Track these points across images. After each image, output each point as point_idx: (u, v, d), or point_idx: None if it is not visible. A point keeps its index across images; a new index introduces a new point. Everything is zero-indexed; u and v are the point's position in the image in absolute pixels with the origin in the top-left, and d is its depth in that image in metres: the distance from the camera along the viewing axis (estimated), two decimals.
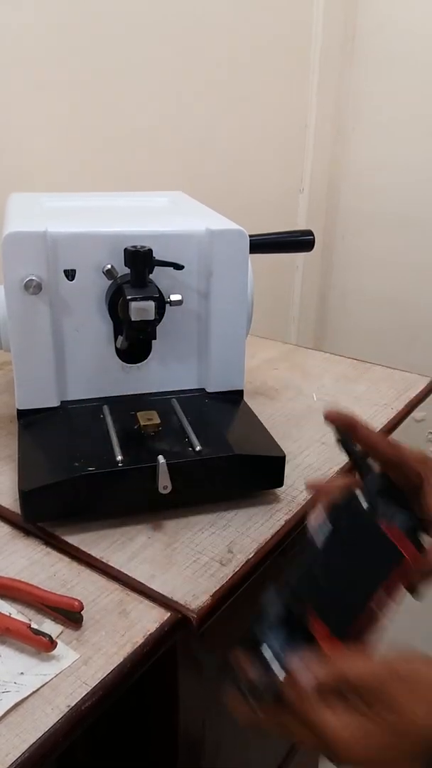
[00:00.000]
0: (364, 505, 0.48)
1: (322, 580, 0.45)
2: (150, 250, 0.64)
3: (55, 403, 0.72)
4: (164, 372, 0.74)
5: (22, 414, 0.71)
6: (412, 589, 0.48)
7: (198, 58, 1.37)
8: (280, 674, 0.42)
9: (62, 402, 0.72)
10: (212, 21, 1.37)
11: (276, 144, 1.67)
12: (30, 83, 1.08)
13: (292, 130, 1.72)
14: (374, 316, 1.94)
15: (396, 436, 0.79)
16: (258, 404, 0.89)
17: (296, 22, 1.61)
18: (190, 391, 0.76)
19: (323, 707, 0.40)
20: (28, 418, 0.71)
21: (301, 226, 1.85)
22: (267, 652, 0.43)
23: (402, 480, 0.50)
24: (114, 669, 0.48)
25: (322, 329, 2.06)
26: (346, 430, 0.51)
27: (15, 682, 0.46)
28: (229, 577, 0.57)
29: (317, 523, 0.48)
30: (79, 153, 1.19)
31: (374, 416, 0.86)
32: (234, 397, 0.76)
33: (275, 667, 0.42)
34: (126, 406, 0.71)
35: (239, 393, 0.77)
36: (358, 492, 0.48)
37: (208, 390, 0.76)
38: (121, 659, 0.48)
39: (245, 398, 0.78)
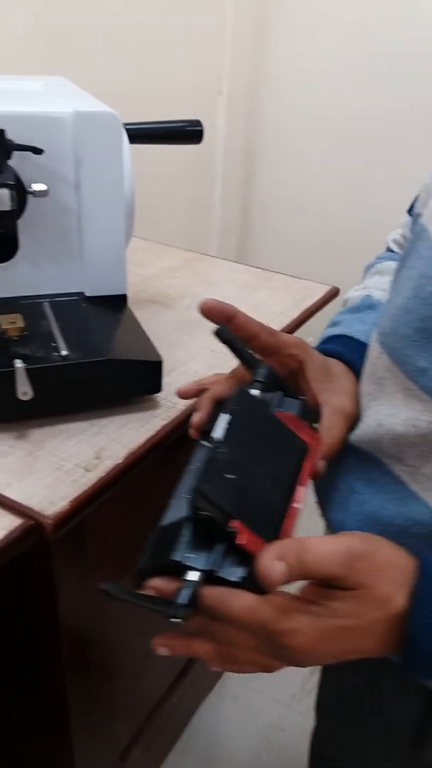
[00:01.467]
0: (256, 393, 0.45)
1: (238, 481, 0.39)
2: (2, 131, 0.57)
3: None
4: (35, 273, 0.69)
5: None
6: (314, 476, 0.46)
7: None
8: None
9: None
10: None
11: (192, 40, 1.55)
12: None
13: (209, 24, 1.60)
14: (298, 228, 1.90)
15: None
16: (151, 312, 0.85)
17: None
18: (67, 295, 0.71)
19: (286, 614, 0.36)
20: None
21: (220, 130, 1.76)
22: (194, 577, 0.37)
23: (279, 366, 0.50)
24: None
25: (243, 242, 2.00)
26: (225, 321, 0.48)
27: None
28: (93, 483, 0.55)
29: (209, 418, 0.44)
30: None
31: (268, 324, 0.83)
32: (116, 303, 0.72)
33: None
34: None
35: (122, 298, 0.72)
36: (246, 386, 0.46)
37: (87, 294, 0.71)
38: None
39: (138, 306, 0.74)
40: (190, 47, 1.56)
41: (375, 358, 0.49)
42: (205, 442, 0.43)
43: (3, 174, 0.58)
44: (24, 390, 0.57)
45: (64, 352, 0.60)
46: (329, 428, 0.49)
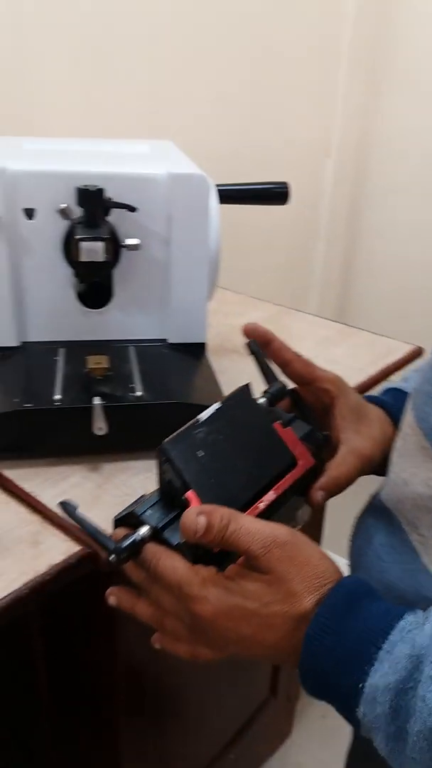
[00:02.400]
0: (261, 401, 0.48)
1: (206, 460, 0.43)
2: (101, 190, 0.63)
3: (14, 343, 0.72)
4: (125, 320, 0.74)
5: None
6: (311, 502, 0.48)
7: (223, 6, 1.34)
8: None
9: (23, 343, 0.73)
10: None
11: (301, 102, 1.62)
12: (48, 32, 1.07)
13: (321, 86, 1.67)
14: (402, 288, 1.89)
15: None
16: (231, 361, 0.88)
17: None
18: (152, 341, 0.75)
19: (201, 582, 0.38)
20: None
21: (326, 190, 1.80)
22: (143, 530, 0.41)
23: (312, 398, 0.52)
24: (11, 593, 0.49)
25: (343, 299, 2.01)
26: (263, 344, 0.52)
27: None
28: None
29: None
30: (103, 101, 1.18)
31: (346, 380, 0.84)
32: (195, 350, 0.76)
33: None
34: (83, 351, 0.71)
35: (201, 346, 0.76)
36: (259, 394, 0.49)
37: (170, 341, 0.75)
38: (19, 585, 0.49)
39: (222, 355, 0.77)
40: (300, 110, 1.62)
41: (405, 415, 0.49)
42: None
43: (100, 228, 0.65)
44: (99, 425, 0.61)
45: (138, 393, 0.64)
46: (339, 464, 0.49)
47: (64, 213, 0.66)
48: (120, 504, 0.59)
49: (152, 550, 0.41)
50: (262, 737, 1.20)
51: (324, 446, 0.49)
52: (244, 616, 0.37)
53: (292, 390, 0.52)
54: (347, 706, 0.35)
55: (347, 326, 1.00)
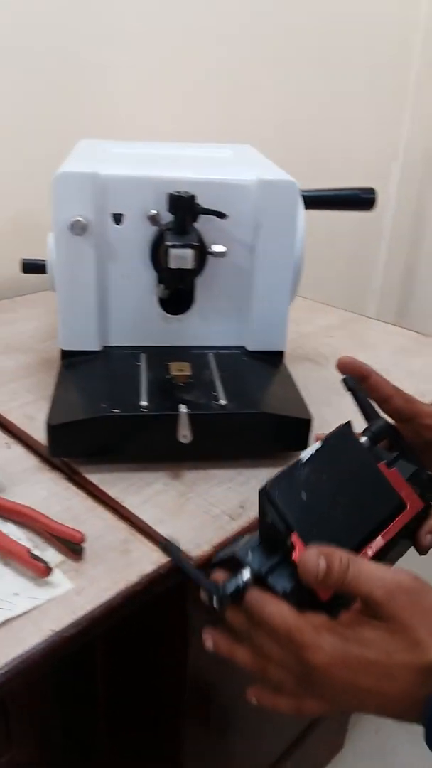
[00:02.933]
0: (363, 441, 0.46)
1: (309, 502, 0.41)
2: (193, 197, 0.63)
3: (96, 347, 0.73)
4: (205, 326, 0.74)
5: (65, 355, 0.73)
6: (419, 546, 0.45)
7: (298, 15, 1.32)
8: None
9: (105, 347, 0.73)
10: None
11: (372, 110, 1.59)
12: (135, 41, 1.08)
13: (390, 97, 1.63)
14: None
15: None
16: (305, 369, 0.86)
17: None
18: (230, 348, 0.75)
19: (308, 625, 0.37)
20: (70, 359, 0.73)
21: (392, 195, 1.77)
22: (246, 574, 0.40)
23: (413, 435, 0.49)
24: (103, 603, 0.49)
25: (403, 305, 1.97)
26: (360, 380, 0.50)
27: (8, 601, 0.48)
28: (235, 532, 0.56)
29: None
30: (175, 104, 1.19)
31: (426, 393, 0.82)
32: (274, 358, 0.75)
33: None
34: (164, 356, 0.71)
35: (280, 354, 0.75)
36: (360, 434, 0.47)
37: (248, 348, 0.75)
38: (113, 594, 0.49)
39: (293, 362, 0.76)
40: (369, 114, 1.60)
41: None
42: None
43: (189, 235, 0.64)
44: (184, 433, 0.60)
45: (222, 402, 0.63)
46: None
47: (153, 219, 0.66)
48: (204, 514, 0.58)
49: (256, 595, 0.39)
50: (316, 749, 1.18)
51: (431, 487, 0.47)
52: (364, 666, 0.35)
53: (391, 426, 0.49)
54: None
55: (423, 335, 0.97)
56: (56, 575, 0.50)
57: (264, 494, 0.41)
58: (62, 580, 0.50)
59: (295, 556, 0.39)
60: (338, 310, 1.07)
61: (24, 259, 0.80)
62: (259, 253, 0.70)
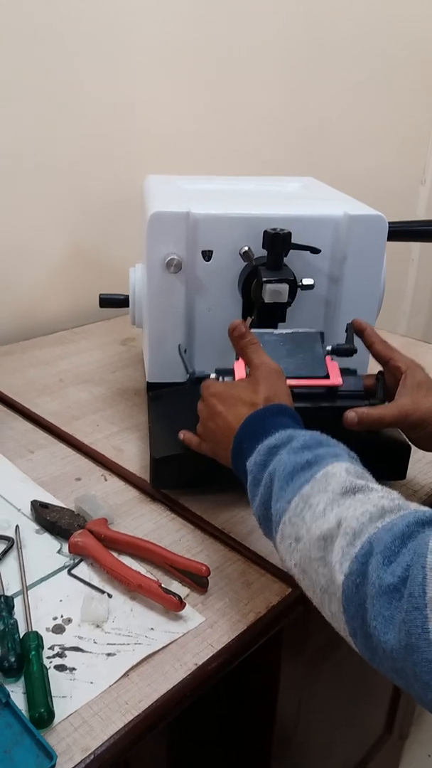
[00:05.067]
0: (328, 348, 0.66)
1: (272, 344, 0.64)
2: (289, 234, 0.65)
3: (183, 379, 0.74)
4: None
5: (151, 387, 0.75)
6: (344, 419, 0.59)
7: (323, 48, 1.36)
8: None
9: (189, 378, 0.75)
10: (343, 12, 1.35)
11: (400, 133, 1.63)
12: (162, 71, 1.11)
13: (417, 121, 1.67)
14: None
15: None
16: None
17: (427, 5, 1.55)
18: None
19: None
20: (157, 392, 0.74)
21: (420, 218, 1.79)
22: None
23: (388, 374, 0.64)
24: (237, 636, 0.49)
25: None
26: (359, 331, 0.66)
27: (146, 636, 0.49)
28: None
29: None
30: (206, 137, 1.21)
31: None
32: None
33: None
34: None
35: None
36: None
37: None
38: (245, 627, 0.50)
39: None
40: (396, 138, 1.63)
41: None
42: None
43: (283, 270, 0.66)
44: None
45: None
46: (380, 407, 0.60)
47: (246, 255, 0.68)
48: None
49: (205, 380, 0.62)
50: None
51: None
52: (227, 394, 0.57)
53: (379, 372, 0.65)
54: (245, 461, 0.52)
55: None
56: (186, 609, 0.51)
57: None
58: (193, 613, 0.51)
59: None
60: (395, 335, 1.09)
61: (102, 294, 0.82)
62: (345, 284, 0.71)
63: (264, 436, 0.51)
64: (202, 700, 0.47)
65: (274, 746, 0.72)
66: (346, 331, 0.67)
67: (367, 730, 1.09)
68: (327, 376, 0.62)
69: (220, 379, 0.63)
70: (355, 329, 0.66)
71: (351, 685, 0.88)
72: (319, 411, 0.62)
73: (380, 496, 0.43)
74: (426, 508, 0.41)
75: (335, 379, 0.62)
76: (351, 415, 0.59)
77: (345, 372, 0.64)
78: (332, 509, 0.42)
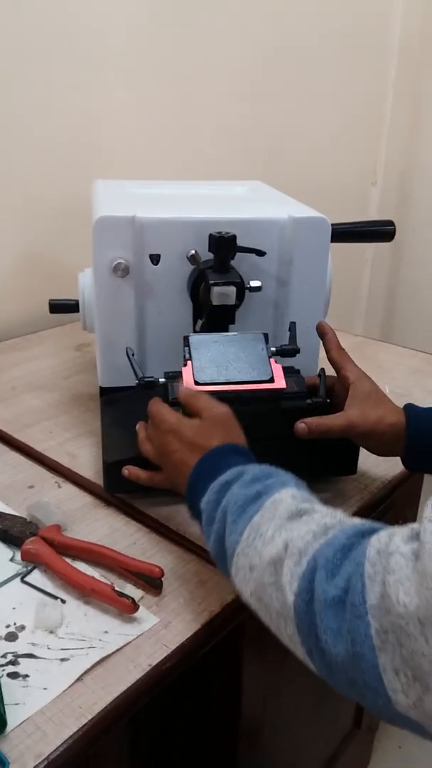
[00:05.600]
0: (273, 349, 0.66)
1: (211, 357, 0.64)
2: (234, 236, 0.66)
3: (133, 383, 0.74)
4: None
5: (104, 391, 0.75)
6: (294, 429, 0.61)
7: (276, 52, 1.38)
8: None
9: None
10: (295, 18, 1.38)
11: (351, 135, 1.66)
12: (115, 78, 1.11)
13: (368, 123, 1.71)
14: None
15: None
16: None
17: (377, 13, 1.59)
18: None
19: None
20: (109, 396, 0.74)
21: (372, 218, 1.83)
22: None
23: (339, 385, 0.66)
24: (192, 635, 0.50)
25: (389, 324, 2.03)
26: (321, 335, 0.68)
27: (100, 639, 0.49)
28: None
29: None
30: (159, 142, 1.22)
31: None
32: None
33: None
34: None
35: None
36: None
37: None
38: (199, 626, 0.51)
39: None
40: (347, 139, 1.66)
41: None
42: None
43: (230, 273, 0.67)
44: None
45: None
46: (328, 416, 0.61)
47: (193, 258, 0.68)
48: None
49: (153, 400, 0.61)
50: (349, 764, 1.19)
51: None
52: (180, 432, 0.56)
53: (321, 369, 0.68)
54: (198, 502, 0.52)
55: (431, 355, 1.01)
56: (140, 611, 0.51)
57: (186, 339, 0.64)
58: (147, 615, 0.51)
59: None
60: (346, 334, 1.11)
61: (52, 300, 0.81)
62: (292, 286, 0.73)
63: (217, 474, 0.51)
64: (168, 699, 0.48)
65: (241, 743, 0.73)
66: (289, 330, 0.69)
67: (335, 725, 1.11)
68: (272, 380, 0.63)
69: (170, 385, 0.64)
70: (318, 332, 0.68)
71: (316, 681, 0.89)
72: (264, 414, 0.63)
73: (323, 515, 0.44)
74: (366, 521, 0.42)
75: (279, 382, 0.63)
76: (301, 426, 0.61)
77: (288, 371, 0.66)
78: (280, 534, 0.43)
